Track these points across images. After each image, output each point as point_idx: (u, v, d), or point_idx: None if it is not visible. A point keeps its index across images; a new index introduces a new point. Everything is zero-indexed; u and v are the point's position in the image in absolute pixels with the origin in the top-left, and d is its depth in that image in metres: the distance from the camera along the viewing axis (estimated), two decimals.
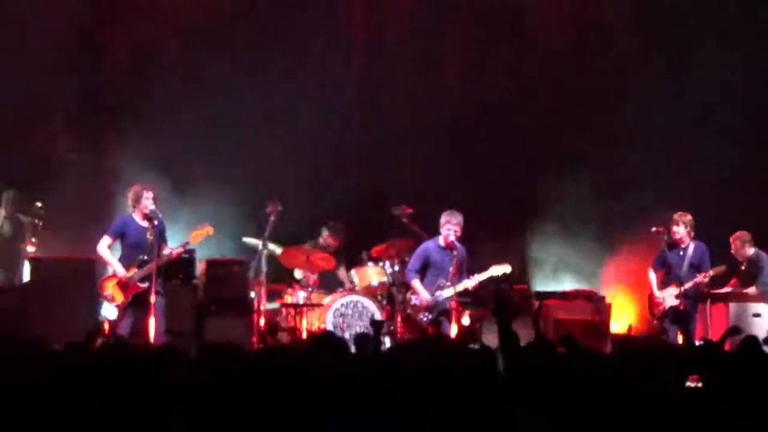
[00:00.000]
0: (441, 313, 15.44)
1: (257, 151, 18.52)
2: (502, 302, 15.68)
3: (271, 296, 16.56)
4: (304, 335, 15.45)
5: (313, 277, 16.63)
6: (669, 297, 15.95)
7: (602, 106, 19.36)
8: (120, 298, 14.35)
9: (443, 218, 15.53)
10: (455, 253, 15.47)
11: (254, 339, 15.65)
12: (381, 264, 16.57)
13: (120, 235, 14.57)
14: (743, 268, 16.63)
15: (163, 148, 18.12)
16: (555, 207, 18.92)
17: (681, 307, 15.83)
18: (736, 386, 7.24)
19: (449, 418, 6.61)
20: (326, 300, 16.23)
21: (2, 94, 18.13)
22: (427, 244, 15.75)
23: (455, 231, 15.44)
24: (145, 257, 14.32)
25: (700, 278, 15.83)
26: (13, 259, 16.92)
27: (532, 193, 18.96)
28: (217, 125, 18.74)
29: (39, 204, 16.82)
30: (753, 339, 9.30)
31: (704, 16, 19.00)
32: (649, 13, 19.33)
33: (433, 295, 15.49)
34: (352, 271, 16.83)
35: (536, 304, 16.93)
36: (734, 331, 11.74)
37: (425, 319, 15.46)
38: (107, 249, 14.57)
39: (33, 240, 16.76)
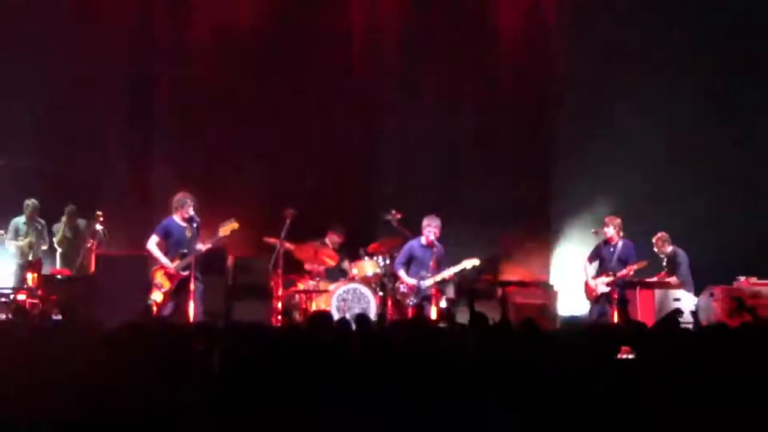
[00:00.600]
0: (423, 298, 15.64)
1: (274, 166, 18.55)
2: (468, 289, 15.87)
3: (287, 284, 16.57)
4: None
5: (320, 269, 16.64)
6: (601, 285, 15.99)
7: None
8: (167, 285, 14.46)
9: (425, 221, 15.71)
10: (435, 250, 15.65)
11: (275, 318, 15.71)
12: (375, 258, 16.64)
13: (165, 234, 14.65)
14: (665, 263, 16.69)
15: (198, 162, 18.13)
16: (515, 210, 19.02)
17: (614, 294, 15.84)
18: (660, 353, 7.25)
19: (430, 388, 6.56)
20: (331, 287, 16.30)
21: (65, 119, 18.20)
22: (412, 243, 15.91)
23: (435, 232, 15.65)
24: (185, 251, 14.38)
25: (627, 270, 15.83)
26: (76, 256, 16.94)
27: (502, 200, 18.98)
28: (242, 144, 18.74)
29: (99, 212, 16.76)
30: (673, 314, 9.39)
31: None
32: None
33: (417, 282, 15.58)
34: (352, 264, 16.83)
35: (500, 291, 17.03)
36: (677, 313, 11.94)
37: (411, 303, 15.59)
38: (155, 246, 14.64)
39: (92, 240, 16.72)
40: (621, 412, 6.20)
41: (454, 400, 6.26)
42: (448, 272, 15.76)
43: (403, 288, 15.83)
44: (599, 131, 18.89)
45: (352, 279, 16.52)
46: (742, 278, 16.36)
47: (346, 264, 17.13)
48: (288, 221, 16.17)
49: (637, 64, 18.96)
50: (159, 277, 14.54)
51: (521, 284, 17.63)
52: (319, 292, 16.31)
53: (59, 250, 17.18)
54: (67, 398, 6.16)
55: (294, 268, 16.89)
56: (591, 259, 16.38)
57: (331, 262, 16.80)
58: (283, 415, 6.01)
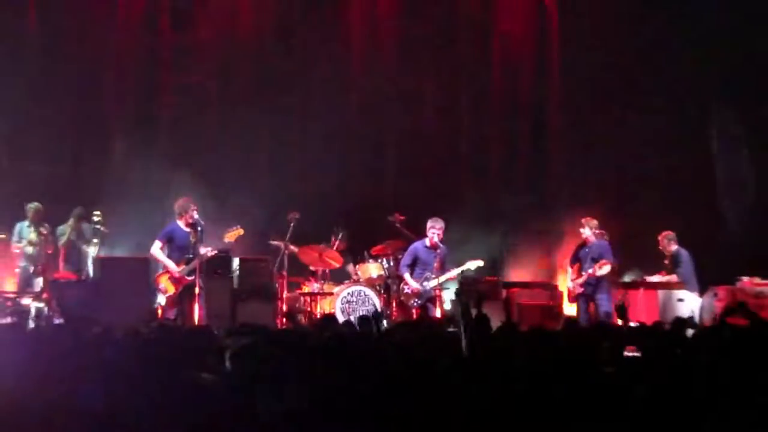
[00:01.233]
0: (428, 300, 15.59)
1: (280, 171, 18.53)
2: (465, 290, 15.84)
3: (292, 286, 16.53)
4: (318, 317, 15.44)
5: (325, 271, 16.59)
6: (577, 285, 15.95)
7: None
8: (172, 289, 14.43)
9: (429, 224, 15.68)
10: (438, 251, 15.59)
11: (279, 320, 15.69)
12: (379, 260, 16.58)
13: (168, 240, 14.61)
14: (667, 262, 16.61)
15: (205, 168, 18.11)
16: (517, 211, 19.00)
17: (582, 291, 15.83)
18: (667, 356, 7.22)
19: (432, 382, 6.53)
20: (335, 289, 16.22)
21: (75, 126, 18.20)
22: (416, 245, 15.88)
23: (438, 234, 15.61)
24: (190, 256, 14.34)
25: (592, 271, 15.75)
26: (80, 259, 16.88)
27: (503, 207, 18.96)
28: (248, 150, 18.70)
29: (98, 213, 16.72)
30: (680, 320, 9.36)
31: None
32: None
33: (421, 285, 15.55)
34: (357, 266, 16.79)
35: (504, 293, 17.02)
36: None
37: (415, 304, 15.57)
38: (159, 251, 14.59)
39: (95, 241, 16.68)
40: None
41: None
42: (452, 273, 15.74)
43: (407, 289, 15.80)
44: (601, 132, 18.85)
45: (357, 281, 16.47)
46: (745, 278, 16.28)
47: (350, 266, 17.09)
48: (292, 224, 16.16)
49: (638, 66, 18.90)
50: (164, 282, 14.49)
51: (525, 285, 17.60)
52: (324, 294, 16.25)
53: (62, 252, 17.10)
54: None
55: (299, 271, 16.85)
56: (571, 261, 16.38)
57: (336, 264, 16.72)
58: None
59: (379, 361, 6.91)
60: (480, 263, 15.89)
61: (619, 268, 16.72)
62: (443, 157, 19.42)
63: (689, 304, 15.93)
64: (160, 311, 14.43)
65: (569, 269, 16.38)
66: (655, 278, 16.57)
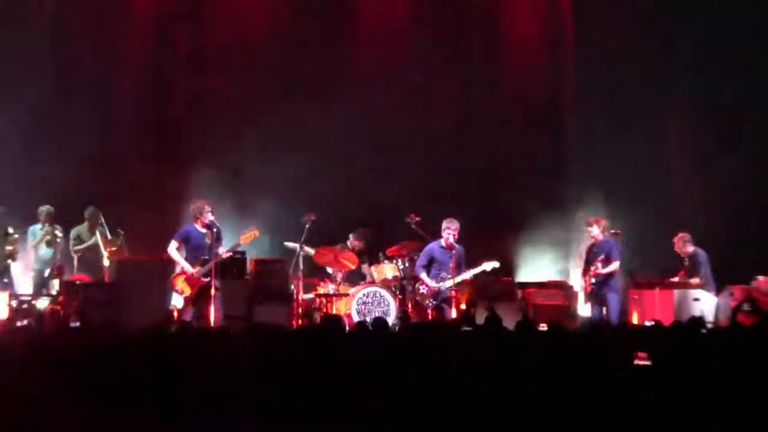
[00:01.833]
0: (443, 300, 15.52)
1: (296, 173, 18.47)
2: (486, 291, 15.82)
3: (307, 288, 16.48)
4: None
5: (340, 273, 16.53)
6: (586, 284, 15.87)
7: None
8: (188, 290, 14.36)
9: (444, 224, 15.61)
10: (454, 252, 15.53)
11: (295, 321, 15.64)
12: (395, 261, 16.50)
13: (185, 240, 14.58)
14: (686, 263, 16.50)
15: (221, 170, 18.09)
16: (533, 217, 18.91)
17: (588, 290, 15.75)
18: (682, 356, 7.14)
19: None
20: (351, 291, 16.14)
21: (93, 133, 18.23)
22: (431, 245, 15.79)
23: (453, 234, 15.55)
24: (206, 257, 14.32)
25: (594, 270, 15.68)
26: (97, 261, 16.84)
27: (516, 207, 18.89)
28: (263, 152, 18.66)
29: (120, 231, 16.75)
30: (697, 319, 9.28)
31: None
32: None
33: (437, 285, 15.49)
34: (372, 267, 16.73)
35: (519, 293, 16.97)
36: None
37: (430, 304, 15.51)
38: (176, 251, 14.56)
39: (109, 238, 16.68)
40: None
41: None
42: (468, 274, 15.67)
43: (423, 290, 15.72)
44: (614, 132, 18.77)
45: (372, 282, 16.41)
46: (761, 278, 16.18)
47: (365, 267, 17.04)
48: (308, 225, 16.12)
49: (651, 66, 18.80)
50: (180, 283, 14.43)
51: (540, 285, 17.54)
52: (339, 295, 16.20)
53: (78, 255, 17.06)
54: None
55: (314, 272, 16.80)
56: (584, 262, 16.30)
57: (351, 266, 16.65)
58: None
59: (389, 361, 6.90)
60: (496, 264, 15.82)
61: (634, 268, 16.63)
62: (457, 157, 19.32)
63: (705, 303, 15.84)
64: (176, 313, 14.38)
65: (582, 270, 16.29)
66: (674, 279, 16.48)
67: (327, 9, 19.48)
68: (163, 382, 6.36)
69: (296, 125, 18.84)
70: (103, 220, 16.83)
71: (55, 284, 15.87)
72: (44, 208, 16.61)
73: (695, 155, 18.40)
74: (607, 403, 6.22)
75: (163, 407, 6.33)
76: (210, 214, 14.51)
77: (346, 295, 16.08)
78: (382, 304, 15.83)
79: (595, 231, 16.01)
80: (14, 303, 15.20)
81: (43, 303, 15.17)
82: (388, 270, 16.41)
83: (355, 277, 16.85)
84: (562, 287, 17.53)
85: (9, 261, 16.22)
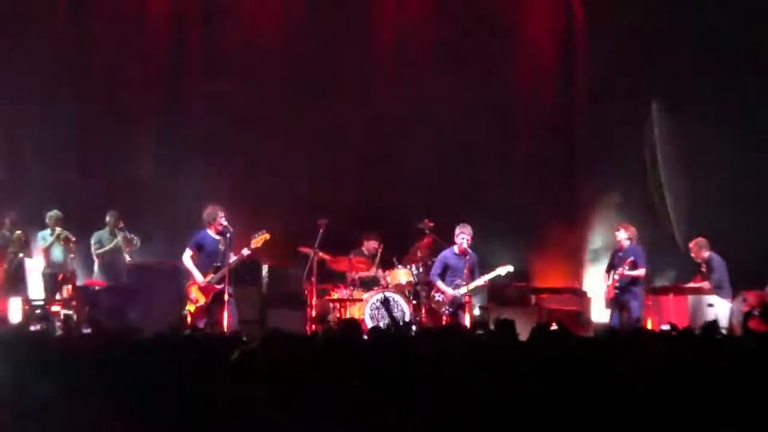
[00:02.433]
0: (458, 306, 15.45)
1: (309, 178, 18.43)
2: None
3: (320, 293, 16.40)
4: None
5: (354, 278, 16.45)
6: (610, 289, 15.73)
7: None
8: (202, 299, 14.31)
9: (457, 230, 15.53)
10: (468, 257, 15.40)
11: (309, 326, 15.58)
12: (408, 267, 16.40)
13: (198, 248, 14.51)
14: (702, 269, 16.36)
15: (235, 174, 18.06)
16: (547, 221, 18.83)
17: (611, 296, 15.62)
18: (699, 360, 7.05)
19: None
20: (365, 296, 16.05)
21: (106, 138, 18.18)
22: (445, 252, 15.73)
23: (467, 239, 15.44)
24: (219, 263, 14.25)
25: (618, 274, 15.54)
26: (117, 263, 16.78)
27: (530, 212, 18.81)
28: (278, 157, 18.62)
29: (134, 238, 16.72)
30: (712, 323, 9.19)
31: None
32: None
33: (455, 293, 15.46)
34: (386, 272, 16.65)
35: (533, 298, 16.91)
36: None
37: (445, 311, 15.44)
38: (190, 259, 14.49)
39: (129, 238, 16.66)
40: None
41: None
42: (482, 279, 15.60)
43: (438, 297, 15.64)
44: (628, 136, 18.69)
45: (386, 287, 16.33)
46: None
47: (379, 273, 16.97)
48: (321, 230, 16.04)
49: (664, 66, 18.70)
50: (194, 292, 14.35)
51: (554, 291, 17.46)
52: (353, 300, 16.11)
53: (99, 259, 16.99)
54: None
55: (328, 277, 16.73)
56: (607, 267, 16.18)
57: (365, 270, 16.60)
58: None
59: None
60: (510, 269, 15.74)
61: (651, 274, 16.52)
62: (470, 161, 19.24)
63: (719, 309, 15.72)
64: (189, 319, 14.32)
65: (605, 275, 16.17)
66: (690, 285, 16.36)
67: (339, 14, 19.39)
68: (173, 388, 6.28)
69: (309, 130, 18.83)
70: (122, 224, 16.78)
71: (68, 289, 15.79)
72: (53, 213, 16.56)
73: (710, 157, 18.23)
74: (613, 406, 6.15)
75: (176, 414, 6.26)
76: (223, 219, 14.44)
77: (360, 300, 15.99)
78: (396, 310, 15.73)
79: (622, 235, 15.87)
80: (27, 308, 15.17)
81: (56, 308, 15.12)
82: (402, 275, 16.32)
83: (369, 282, 16.77)
84: (576, 293, 17.45)
85: (21, 255, 16.22)
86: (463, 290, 15.36)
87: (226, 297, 14.08)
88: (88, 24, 18.66)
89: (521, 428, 6.02)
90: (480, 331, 9.97)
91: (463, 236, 15.45)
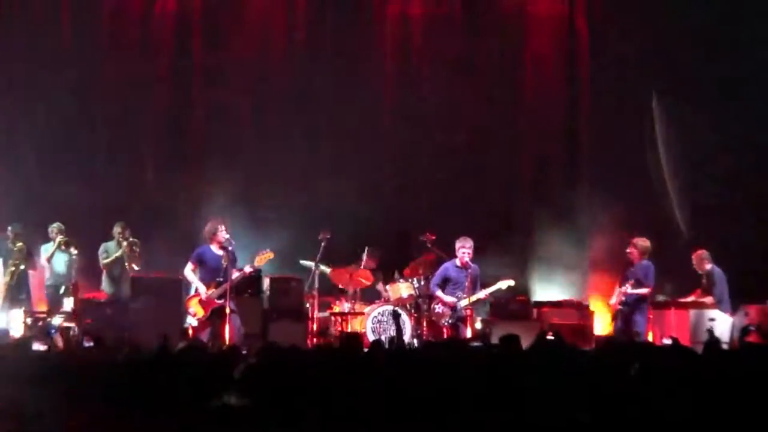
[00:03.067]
0: (459, 319, 15.42)
1: (311, 189, 18.41)
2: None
3: (322, 306, 16.36)
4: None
5: (356, 291, 16.41)
6: (616, 302, 15.73)
7: None
8: (201, 312, 14.26)
9: (458, 243, 15.55)
10: (469, 270, 15.43)
11: (310, 339, 15.54)
12: (410, 280, 16.35)
13: (200, 261, 14.47)
14: (703, 281, 16.30)
15: (237, 187, 18.02)
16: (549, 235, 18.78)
17: (620, 308, 15.61)
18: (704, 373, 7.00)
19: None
20: (366, 309, 16.02)
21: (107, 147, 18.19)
22: (447, 265, 15.74)
23: (468, 253, 15.49)
24: (221, 279, 14.21)
25: (623, 291, 15.53)
26: (124, 276, 16.72)
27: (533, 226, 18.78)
28: (279, 169, 18.60)
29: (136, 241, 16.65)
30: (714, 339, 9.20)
31: None
32: None
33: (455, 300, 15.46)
34: (387, 286, 16.60)
35: (534, 311, 16.87)
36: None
37: (446, 323, 15.42)
38: (191, 272, 14.45)
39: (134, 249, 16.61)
40: None
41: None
42: (483, 293, 15.61)
43: (438, 309, 15.62)
44: (632, 152, 18.68)
45: (387, 301, 16.28)
46: None
47: (380, 286, 16.92)
48: (323, 244, 16.00)
49: (663, 71, 18.72)
50: (193, 305, 14.32)
51: (556, 304, 17.40)
52: (355, 314, 16.06)
53: (106, 269, 16.90)
54: None
55: (329, 290, 16.69)
56: (621, 281, 16.13)
57: (367, 283, 16.56)
58: None
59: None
60: (511, 283, 15.79)
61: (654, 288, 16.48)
62: (473, 176, 19.21)
63: (721, 323, 15.66)
64: (191, 332, 14.28)
65: (617, 288, 16.12)
66: (690, 298, 16.30)
67: (343, 26, 19.37)
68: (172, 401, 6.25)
69: (311, 142, 18.82)
70: (128, 234, 16.72)
71: (70, 301, 15.74)
72: (55, 226, 16.52)
73: (722, 171, 18.21)
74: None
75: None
76: (224, 232, 14.39)
77: (362, 313, 15.95)
78: (403, 325, 15.69)
79: (633, 251, 15.85)
80: (29, 320, 15.13)
81: (58, 320, 15.07)
82: (403, 288, 16.27)
83: (370, 296, 16.73)
84: (577, 307, 17.39)
85: (23, 267, 16.18)
86: (464, 303, 15.33)
87: (227, 311, 14.01)
88: (91, 37, 18.60)
89: None
90: (477, 343, 9.96)
91: (464, 250, 15.47)
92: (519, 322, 15.89)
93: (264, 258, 14.56)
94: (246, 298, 15.51)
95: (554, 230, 18.71)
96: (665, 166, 18.63)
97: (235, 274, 14.27)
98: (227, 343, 13.60)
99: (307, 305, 16.11)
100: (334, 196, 18.23)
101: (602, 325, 17.07)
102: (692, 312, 15.84)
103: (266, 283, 16.48)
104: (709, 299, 16.01)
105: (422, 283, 16.19)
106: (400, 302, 16.03)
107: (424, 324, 15.90)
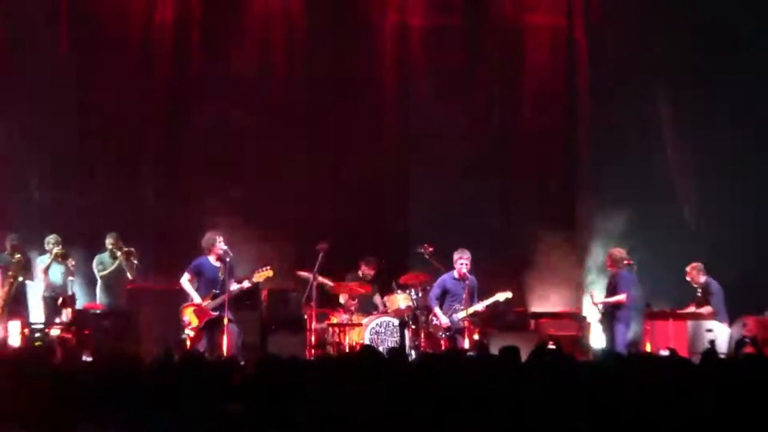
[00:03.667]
0: (456, 331, 15.44)
1: (309, 202, 18.42)
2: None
3: (320, 317, 16.37)
4: (347, 348, 15.34)
5: (353, 302, 16.41)
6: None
7: None
8: (195, 322, 14.31)
9: (456, 255, 15.56)
10: (467, 282, 15.43)
11: (308, 351, 15.55)
12: (407, 291, 16.34)
13: (197, 274, 14.50)
14: (699, 293, 16.34)
15: (233, 197, 18.04)
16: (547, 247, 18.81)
17: (600, 319, 16.20)
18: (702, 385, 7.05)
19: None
20: (364, 321, 16.01)
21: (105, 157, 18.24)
22: (444, 276, 15.74)
23: (466, 264, 15.48)
24: (218, 291, 14.24)
25: (594, 299, 16.09)
26: (120, 288, 16.73)
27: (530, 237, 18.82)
28: (278, 180, 18.62)
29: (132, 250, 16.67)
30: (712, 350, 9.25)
31: None
32: None
33: (449, 317, 15.47)
34: (385, 297, 16.61)
35: (532, 323, 16.90)
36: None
37: (443, 335, 15.43)
38: (188, 283, 14.49)
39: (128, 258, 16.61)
40: None
41: None
42: (481, 305, 15.61)
43: (436, 321, 15.64)
44: (631, 163, 18.75)
45: (385, 312, 16.29)
46: None
47: (378, 297, 16.94)
48: (321, 255, 16.02)
49: (663, 77, 18.79)
50: (188, 314, 14.36)
51: (554, 315, 17.44)
52: (352, 325, 16.07)
53: (104, 281, 16.92)
54: None
55: (327, 302, 16.71)
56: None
57: (363, 295, 16.59)
58: None
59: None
60: (509, 295, 15.81)
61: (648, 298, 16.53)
62: (471, 187, 19.24)
63: (718, 334, 15.69)
64: (189, 342, 14.30)
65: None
66: (690, 309, 16.33)
67: (341, 39, 19.40)
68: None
69: (309, 154, 18.83)
70: (122, 244, 16.73)
71: (67, 312, 15.74)
72: (52, 237, 16.52)
73: (712, 183, 18.27)
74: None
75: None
76: (222, 243, 14.45)
77: (359, 324, 15.96)
78: (395, 334, 15.72)
79: (607, 261, 16.07)
80: (27, 331, 15.14)
81: (55, 332, 15.08)
82: (401, 300, 16.27)
83: (368, 307, 16.74)
84: (575, 317, 17.43)
85: (22, 279, 16.18)
86: (461, 315, 15.34)
87: (225, 322, 14.04)
88: (89, 49, 18.62)
89: None
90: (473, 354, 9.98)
91: (462, 261, 15.48)
92: (517, 334, 15.92)
93: (263, 275, 14.62)
94: (244, 309, 15.49)
95: (552, 241, 18.76)
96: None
97: (234, 286, 14.32)
98: (225, 353, 13.64)
99: (305, 317, 16.10)
100: (332, 207, 18.27)
101: (599, 336, 17.10)
102: (690, 323, 15.90)
103: (264, 294, 16.48)
104: (706, 310, 16.05)
105: (420, 294, 16.19)
106: (398, 314, 16.04)
107: (422, 335, 15.90)
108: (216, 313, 14.17)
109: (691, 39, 18.36)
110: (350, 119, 18.97)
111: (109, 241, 16.69)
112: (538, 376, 7.25)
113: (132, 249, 16.66)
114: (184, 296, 14.80)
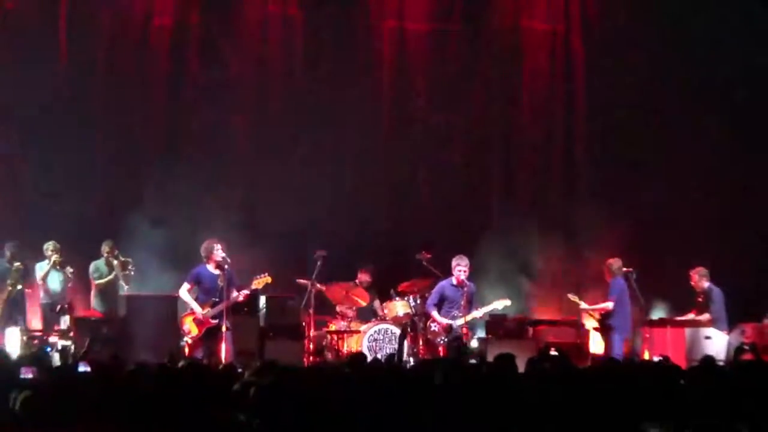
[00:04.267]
0: (454, 338, 15.40)
1: (307, 209, 18.45)
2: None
3: (318, 324, 16.44)
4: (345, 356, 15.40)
5: (351, 310, 16.49)
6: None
7: None
8: (195, 331, 14.37)
9: (454, 262, 15.58)
10: (465, 289, 15.46)
11: (307, 358, 15.59)
12: (406, 298, 16.42)
13: (196, 282, 14.56)
14: (700, 299, 16.37)
15: (235, 203, 18.09)
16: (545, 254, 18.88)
17: (597, 328, 16.48)
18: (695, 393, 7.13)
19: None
20: (362, 328, 16.08)
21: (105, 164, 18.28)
22: (443, 283, 15.76)
23: (464, 271, 15.50)
24: (217, 299, 14.30)
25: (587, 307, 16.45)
26: (116, 296, 16.76)
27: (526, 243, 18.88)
28: (276, 187, 18.66)
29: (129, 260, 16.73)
30: (709, 358, 9.31)
31: None
32: None
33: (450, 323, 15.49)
34: (383, 304, 16.69)
35: (530, 330, 16.92)
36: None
37: (442, 342, 15.45)
38: (187, 292, 14.56)
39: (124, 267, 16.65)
40: None
41: None
42: (480, 312, 15.65)
43: (434, 327, 15.65)
44: (628, 168, 18.82)
45: (383, 319, 16.36)
46: None
47: (376, 304, 16.99)
48: (319, 262, 16.08)
49: (664, 103, 18.87)
50: (188, 324, 14.43)
51: (552, 323, 17.47)
52: (351, 332, 16.14)
53: (99, 288, 16.96)
54: None
55: (326, 309, 16.76)
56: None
57: (362, 302, 16.60)
58: None
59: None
60: (507, 302, 15.87)
61: (647, 305, 16.60)
62: (470, 194, 19.31)
63: (717, 341, 15.75)
64: (187, 350, 14.36)
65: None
66: (689, 316, 16.39)
67: (340, 46, 19.47)
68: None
69: (307, 161, 18.87)
70: (117, 253, 16.77)
71: (66, 320, 15.79)
72: (50, 244, 16.55)
73: (713, 189, 18.35)
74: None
75: None
76: (221, 251, 14.49)
77: (358, 332, 16.02)
78: (393, 341, 15.75)
79: (604, 270, 16.17)
80: (25, 338, 15.18)
81: (53, 339, 15.11)
82: (400, 307, 16.34)
83: (366, 314, 16.80)
84: (573, 325, 17.46)
85: (20, 287, 16.23)
86: (460, 322, 15.40)
87: (224, 329, 14.11)
88: (88, 55, 18.69)
89: None
90: (473, 361, 10.03)
91: (460, 268, 15.50)
92: (515, 341, 15.94)
93: (261, 282, 14.67)
94: (242, 316, 15.54)
95: (551, 249, 18.81)
96: None
97: (233, 295, 14.38)
98: (223, 361, 13.69)
99: (303, 324, 16.14)
100: (331, 215, 18.31)
101: (598, 343, 17.16)
102: (688, 331, 15.92)
103: (263, 301, 16.52)
104: (704, 317, 16.09)
105: (418, 301, 16.25)
106: (396, 321, 16.10)
107: (421, 342, 15.95)
108: (215, 321, 14.23)
109: (690, 44, 18.42)
110: (349, 124, 19.01)
111: (105, 249, 16.73)
112: (535, 382, 7.32)
113: (128, 259, 16.71)
114: (182, 304, 14.85)
